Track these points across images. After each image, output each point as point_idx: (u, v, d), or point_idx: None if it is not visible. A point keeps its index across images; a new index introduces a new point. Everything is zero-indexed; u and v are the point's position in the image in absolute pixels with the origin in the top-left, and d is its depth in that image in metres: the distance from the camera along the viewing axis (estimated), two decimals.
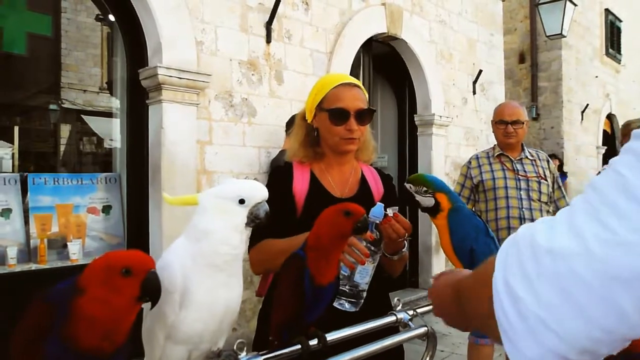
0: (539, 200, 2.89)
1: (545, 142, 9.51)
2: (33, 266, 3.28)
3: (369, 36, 5.15)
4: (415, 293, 5.79)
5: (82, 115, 12.92)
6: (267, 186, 1.60)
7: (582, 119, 10.07)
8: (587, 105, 10.13)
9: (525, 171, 2.96)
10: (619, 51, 11.86)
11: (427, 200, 1.35)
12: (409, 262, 6.12)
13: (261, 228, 1.41)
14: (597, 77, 10.79)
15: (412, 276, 6.03)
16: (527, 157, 3.01)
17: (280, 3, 4.13)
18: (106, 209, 3.83)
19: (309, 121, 1.64)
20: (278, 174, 1.67)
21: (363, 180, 1.69)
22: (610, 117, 11.71)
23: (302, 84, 4.47)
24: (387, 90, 6.28)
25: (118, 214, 3.87)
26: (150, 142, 3.58)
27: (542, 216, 2.90)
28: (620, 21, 11.85)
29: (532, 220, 2.83)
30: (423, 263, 6.01)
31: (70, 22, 13.17)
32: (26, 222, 3.49)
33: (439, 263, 6.06)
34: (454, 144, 6.41)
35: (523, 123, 2.98)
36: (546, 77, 9.59)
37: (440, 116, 5.96)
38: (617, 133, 11.96)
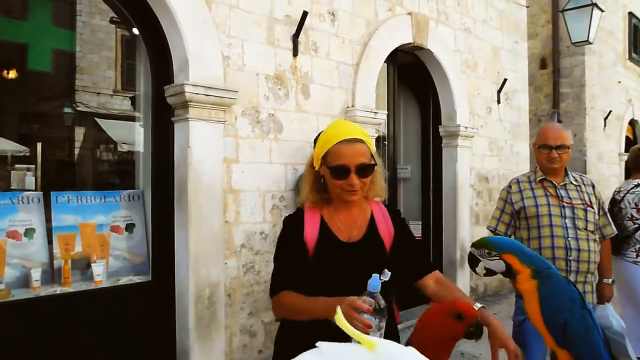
0: (586, 229, 2.75)
1: None
2: (58, 289, 3.20)
3: (394, 47, 5.02)
4: None
5: (97, 119, 12.93)
6: (282, 234, 1.74)
7: (604, 126, 9.86)
8: (610, 111, 9.91)
9: (570, 198, 2.81)
10: None
11: (497, 264, 1.24)
12: None
13: (279, 271, 1.68)
14: (620, 82, 10.55)
15: None
16: (571, 183, 2.86)
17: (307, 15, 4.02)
18: (129, 227, 3.74)
19: (316, 169, 1.70)
20: (291, 222, 1.74)
21: (372, 221, 1.74)
22: (632, 123, 11.47)
23: (328, 97, 4.35)
24: (410, 99, 6.14)
25: (141, 232, 3.78)
26: (176, 160, 3.48)
27: (589, 246, 2.76)
28: None
29: (579, 250, 2.70)
30: (448, 277, 5.83)
31: (85, 25, 13.18)
32: (49, 241, 3.41)
33: (464, 277, 5.92)
34: (478, 155, 6.27)
35: (568, 147, 2.83)
36: (568, 83, 9.39)
37: (466, 127, 5.82)
38: (639, 139, 11.71)
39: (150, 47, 3.57)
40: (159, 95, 3.50)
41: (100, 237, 3.61)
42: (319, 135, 3.87)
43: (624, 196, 3.59)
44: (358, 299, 1.35)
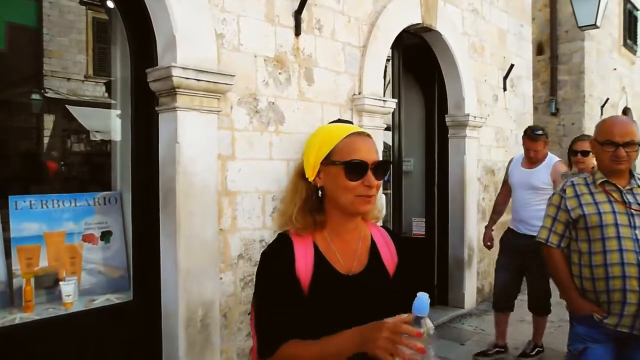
0: None
1: (565, 139, 8.96)
2: (17, 317, 2.62)
3: (403, 27, 4.51)
4: (446, 312, 5.24)
5: (68, 106, 12.12)
6: (265, 270, 1.34)
7: (601, 114, 9.55)
8: (607, 99, 9.61)
9: (638, 204, 2.36)
10: (635, 42, 11.34)
11: None
12: (437, 278, 5.55)
13: (274, 321, 1.28)
14: (615, 69, 10.26)
15: (442, 293, 5.46)
16: (639, 186, 2.41)
17: None
18: (105, 236, 3.18)
19: (310, 180, 1.37)
20: (277, 254, 1.36)
21: (373, 248, 1.45)
22: (625, 112, 11.22)
23: (333, 83, 3.82)
24: (413, 86, 5.64)
25: (120, 241, 3.23)
26: (162, 157, 2.92)
27: None
28: (637, 10, 11.31)
29: None
30: (454, 278, 5.44)
31: (52, 6, 12.29)
32: (7, 255, 2.83)
33: (471, 278, 5.50)
34: (485, 146, 5.83)
35: (637, 144, 2.38)
36: (566, 70, 9.02)
37: (475, 117, 5.36)
38: None
39: (128, 23, 2.98)
40: (140, 80, 2.92)
41: (70, 249, 3.04)
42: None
43: None
44: (402, 321, 1.09)
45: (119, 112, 3.25)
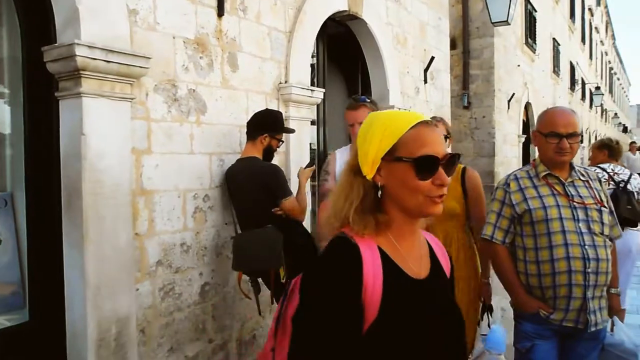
0: (602, 233, 2.28)
1: (477, 131, 9.31)
2: None
3: (329, 14, 4.31)
4: None
5: None
6: (325, 290, 1.08)
7: (508, 108, 10.03)
8: (514, 94, 10.10)
9: (580, 196, 2.32)
10: (535, 41, 12.04)
11: None
12: None
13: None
14: (519, 66, 10.82)
15: None
16: (579, 179, 2.38)
17: None
18: None
19: (368, 178, 1.18)
20: (342, 269, 1.10)
21: (431, 251, 1.31)
22: (526, 106, 11.90)
23: (259, 70, 3.53)
24: (337, 77, 5.47)
25: (11, 252, 2.73)
26: (64, 152, 2.49)
27: (607, 255, 2.30)
28: (536, 11, 12.01)
29: (598, 260, 2.22)
30: None
31: None
32: None
33: None
34: None
35: (579, 135, 2.35)
36: (478, 64, 9.34)
37: (399, 109, 5.29)
38: (532, 121, 12.22)
39: None
40: (34, 60, 2.46)
41: None
42: (252, 118, 3.07)
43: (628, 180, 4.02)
44: None
45: (6, 98, 2.74)
